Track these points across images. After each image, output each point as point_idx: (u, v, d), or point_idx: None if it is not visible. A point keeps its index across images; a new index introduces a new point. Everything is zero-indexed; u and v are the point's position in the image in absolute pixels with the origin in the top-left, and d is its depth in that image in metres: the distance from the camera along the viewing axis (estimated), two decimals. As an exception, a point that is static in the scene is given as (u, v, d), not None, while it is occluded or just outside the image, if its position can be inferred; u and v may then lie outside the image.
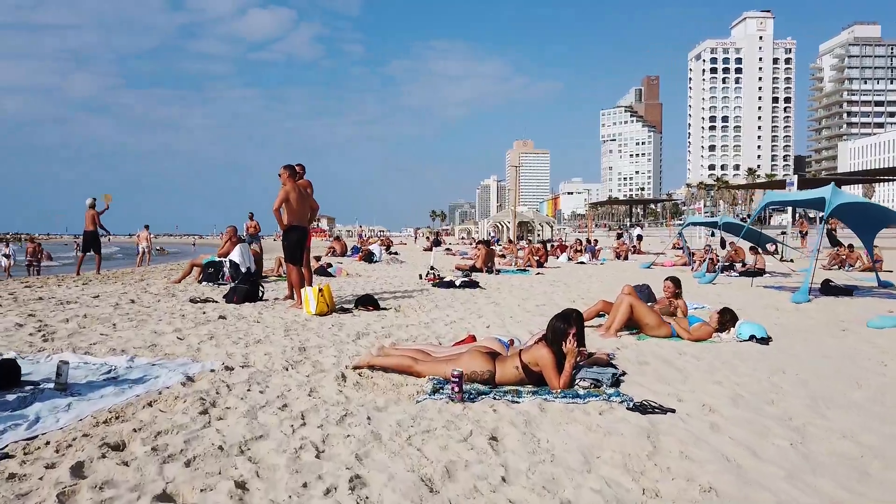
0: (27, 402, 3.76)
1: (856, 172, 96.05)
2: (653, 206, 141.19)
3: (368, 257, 21.59)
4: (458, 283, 12.13)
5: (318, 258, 15.61)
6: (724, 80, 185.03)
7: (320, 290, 7.97)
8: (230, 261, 12.07)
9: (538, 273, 16.34)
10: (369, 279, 14.25)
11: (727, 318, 6.44)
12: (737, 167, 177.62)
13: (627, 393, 4.14)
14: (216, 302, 8.94)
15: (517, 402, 3.89)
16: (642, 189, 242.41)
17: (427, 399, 3.94)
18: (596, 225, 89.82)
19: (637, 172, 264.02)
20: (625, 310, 6.34)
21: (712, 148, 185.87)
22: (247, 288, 8.96)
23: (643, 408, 3.80)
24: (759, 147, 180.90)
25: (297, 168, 8.70)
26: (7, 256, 21.49)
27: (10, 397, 3.84)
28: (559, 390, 4.12)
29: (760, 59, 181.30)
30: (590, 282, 13.89)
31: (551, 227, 73.26)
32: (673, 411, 3.78)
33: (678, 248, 35.98)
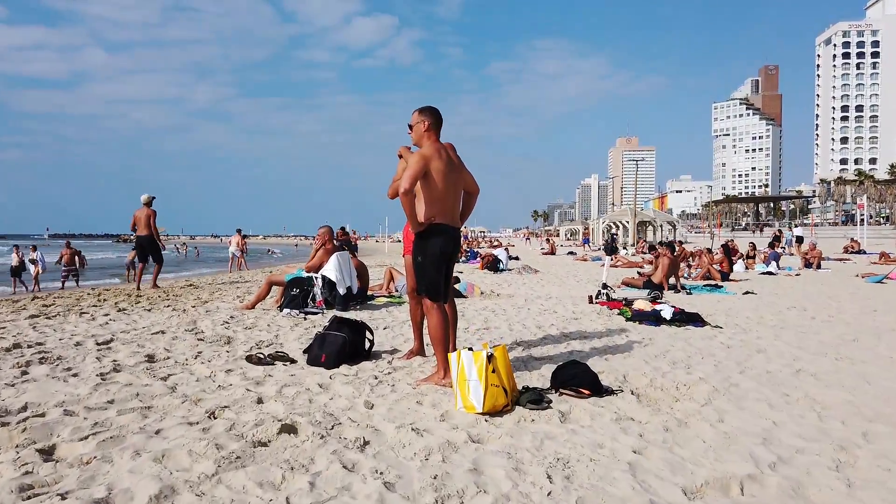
0: None
1: None
2: (772, 204, 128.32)
3: (493, 265, 17.40)
4: (666, 314, 7.67)
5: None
6: (858, 66, 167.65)
7: (489, 357, 3.79)
8: (323, 277, 8.20)
9: (747, 293, 11.51)
10: (512, 299, 10.04)
11: None
12: (873, 161, 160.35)
13: None
14: (292, 362, 4.97)
15: None
16: (765, 186, 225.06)
17: None
18: (722, 224, 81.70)
19: (754, 168, 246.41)
20: None
21: (844, 140, 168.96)
22: (344, 339, 4.91)
23: None
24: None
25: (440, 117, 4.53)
26: (34, 262, 18.35)
27: None
28: None
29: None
30: (859, 309, 8.97)
31: (673, 226, 66.51)
32: None
33: (856, 252, 29.55)
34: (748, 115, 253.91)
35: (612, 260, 12.25)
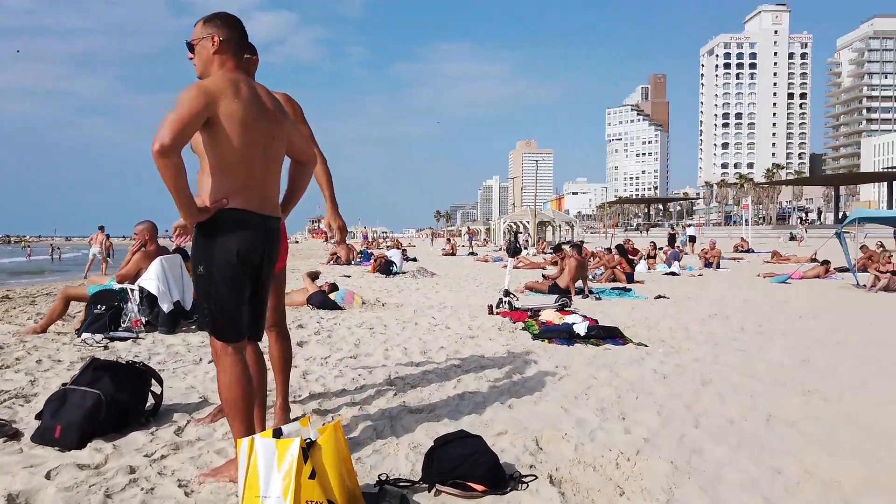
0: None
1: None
2: (660, 205, 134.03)
3: (386, 268, 15.68)
4: (580, 329, 6.25)
5: (314, 276, 9.71)
6: (737, 76, 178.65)
7: (307, 449, 2.09)
8: (141, 289, 6.19)
9: (659, 297, 10.41)
10: (400, 310, 8.40)
11: None
12: (751, 165, 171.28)
13: None
14: (11, 437, 3.06)
15: None
16: (654, 188, 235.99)
17: None
18: (617, 225, 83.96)
19: (644, 172, 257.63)
20: None
21: (725, 146, 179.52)
22: (97, 400, 3.04)
23: None
24: (773, 145, 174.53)
25: (244, 35, 2.77)
26: None
27: None
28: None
29: (775, 53, 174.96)
30: (783, 315, 7.97)
31: (571, 226, 67.27)
32: None
33: (746, 251, 30.05)
34: (638, 120, 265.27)
35: (515, 262, 10.90)
